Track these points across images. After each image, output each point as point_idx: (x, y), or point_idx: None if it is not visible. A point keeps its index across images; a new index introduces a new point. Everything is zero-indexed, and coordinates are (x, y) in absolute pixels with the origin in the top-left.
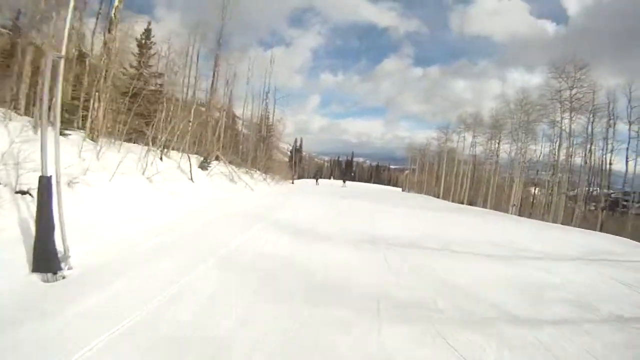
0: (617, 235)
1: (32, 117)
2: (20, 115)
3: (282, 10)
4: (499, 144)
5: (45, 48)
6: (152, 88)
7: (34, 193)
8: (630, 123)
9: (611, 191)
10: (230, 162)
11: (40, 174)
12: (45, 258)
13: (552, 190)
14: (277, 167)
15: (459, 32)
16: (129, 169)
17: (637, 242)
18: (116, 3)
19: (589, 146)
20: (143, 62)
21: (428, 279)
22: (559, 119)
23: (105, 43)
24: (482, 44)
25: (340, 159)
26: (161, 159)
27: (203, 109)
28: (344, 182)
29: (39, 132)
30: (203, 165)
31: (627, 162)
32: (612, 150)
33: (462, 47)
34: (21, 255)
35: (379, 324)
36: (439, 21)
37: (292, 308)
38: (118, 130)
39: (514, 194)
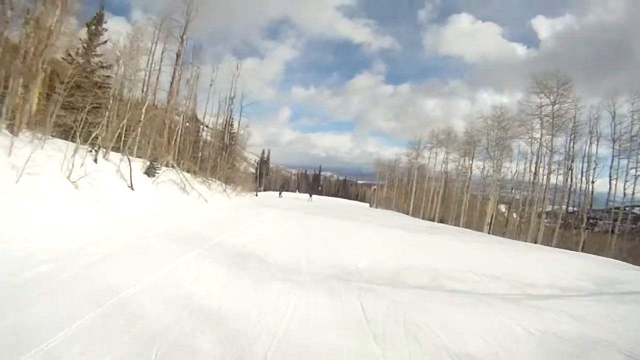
0: (598, 255)
1: None
2: None
3: (257, 20)
4: (472, 160)
5: None
6: (97, 79)
7: None
8: (614, 141)
9: (592, 209)
10: (187, 170)
11: None
12: None
13: (528, 209)
14: (240, 177)
15: (431, 51)
16: (48, 170)
17: (635, 266)
18: None
19: (569, 163)
20: (90, 48)
21: (428, 347)
22: (537, 135)
23: (36, 19)
24: (453, 63)
25: (307, 173)
26: (96, 160)
27: (159, 110)
28: (310, 196)
29: None
30: (149, 172)
31: (610, 180)
32: (594, 168)
33: (434, 66)
34: None
35: None
36: (412, 39)
37: None
38: (50, 123)
39: (489, 212)
